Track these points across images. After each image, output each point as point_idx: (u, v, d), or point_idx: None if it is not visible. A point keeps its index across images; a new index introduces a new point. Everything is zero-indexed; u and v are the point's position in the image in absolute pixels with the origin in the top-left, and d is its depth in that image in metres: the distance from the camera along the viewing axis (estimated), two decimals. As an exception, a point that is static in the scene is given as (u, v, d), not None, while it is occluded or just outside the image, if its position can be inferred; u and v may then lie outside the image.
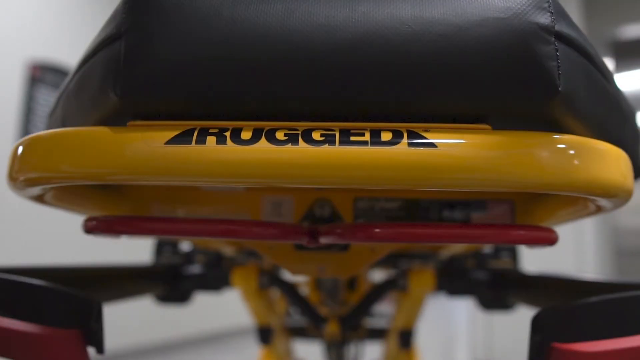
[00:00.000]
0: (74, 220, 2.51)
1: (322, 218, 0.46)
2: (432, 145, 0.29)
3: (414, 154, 0.29)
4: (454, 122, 0.31)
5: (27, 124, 2.49)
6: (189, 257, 0.89)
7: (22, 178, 0.34)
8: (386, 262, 0.90)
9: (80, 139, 0.32)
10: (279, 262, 0.48)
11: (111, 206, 0.50)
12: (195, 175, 0.30)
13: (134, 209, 0.51)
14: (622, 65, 2.69)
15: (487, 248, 0.88)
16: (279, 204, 0.49)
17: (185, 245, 0.91)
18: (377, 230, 0.35)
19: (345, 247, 0.47)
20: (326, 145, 0.29)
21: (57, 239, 2.48)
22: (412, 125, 0.31)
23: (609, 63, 2.78)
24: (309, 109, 0.32)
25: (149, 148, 0.30)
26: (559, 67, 0.31)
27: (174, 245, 0.89)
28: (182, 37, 0.31)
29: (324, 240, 0.39)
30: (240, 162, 0.29)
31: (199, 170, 0.30)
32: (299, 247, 0.47)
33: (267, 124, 0.31)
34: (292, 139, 0.29)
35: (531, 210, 0.48)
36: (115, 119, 0.34)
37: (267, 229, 0.37)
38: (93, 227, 0.38)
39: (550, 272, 0.65)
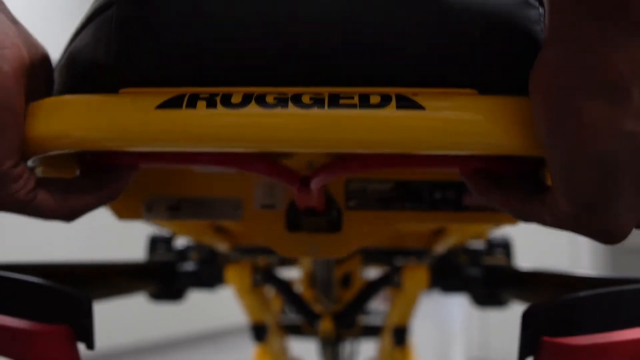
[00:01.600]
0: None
1: (313, 210, 0.45)
2: (421, 107, 0.30)
3: (402, 115, 0.29)
4: (440, 87, 0.32)
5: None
6: (182, 254, 0.89)
7: None
8: (380, 259, 0.90)
9: (69, 106, 0.32)
10: (271, 243, 0.48)
11: None
12: (185, 139, 0.30)
13: (125, 193, 0.51)
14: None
15: (481, 244, 0.88)
16: (272, 187, 0.49)
17: (179, 242, 0.91)
18: (369, 159, 0.35)
19: (337, 228, 0.47)
20: (315, 108, 0.29)
21: (55, 235, 2.48)
22: (400, 90, 0.31)
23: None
24: (296, 75, 0.32)
25: (139, 112, 0.30)
26: (543, 31, 0.31)
27: (168, 242, 0.89)
28: (173, 2, 0.31)
29: (315, 184, 0.38)
30: (229, 125, 0.30)
31: (189, 133, 0.30)
32: (291, 228, 0.47)
33: (257, 90, 0.31)
34: (282, 103, 0.30)
35: None
36: (107, 89, 0.33)
37: (262, 164, 0.37)
38: (87, 163, 0.37)
39: (544, 268, 0.65)
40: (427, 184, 0.48)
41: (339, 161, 0.37)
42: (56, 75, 0.38)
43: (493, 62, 0.31)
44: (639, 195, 0.27)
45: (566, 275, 0.58)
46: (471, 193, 0.46)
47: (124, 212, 0.50)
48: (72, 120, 0.31)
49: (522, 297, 0.69)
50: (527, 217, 0.32)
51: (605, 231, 0.28)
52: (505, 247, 0.85)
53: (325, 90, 0.31)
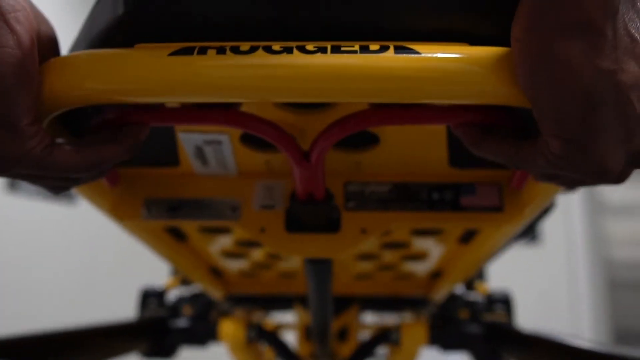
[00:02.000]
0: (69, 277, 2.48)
1: (313, 198, 0.46)
2: (417, 53, 0.31)
3: (400, 59, 0.31)
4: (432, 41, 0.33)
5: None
6: (175, 309, 0.87)
7: None
8: (377, 308, 0.88)
9: (84, 60, 0.32)
10: (270, 243, 0.48)
11: (104, 192, 0.49)
12: (195, 85, 0.31)
13: (125, 195, 0.50)
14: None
15: (480, 297, 0.87)
16: (271, 188, 0.50)
17: (171, 295, 0.89)
18: (368, 115, 0.36)
19: (335, 229, 0.47)
20: (319, 54, 0.31)
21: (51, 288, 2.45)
22: (397, 43, 0.32)
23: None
24: (299, 31, 0.33)
25: (151, 59, 0.32)
26: None
27: (160, 296, 0.87)
28: None
29: (315, 152, 0.39)
30: (237, 69, 0.31)
31: (199, 77, 0.31)
32: (291, 229, 0.48)
33: (263, 43, 0.32)
34: (287, 50, 0.31)
35: (518, 192, 0.48)
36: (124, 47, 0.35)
37: (271, 129, 0.38)
38: (98, 123, 0.37)
39: (546, 333, 0.63)
40: (425, 186, 0.48)
41: (333, 123, 0.37)
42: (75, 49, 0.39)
43: (482, 16, 0.32)
44: (623, 130, 0.28)
45: (569, 345, 0.56)
46: (468, 195, 0.47)
47: (123, 214, 0.49)
48: (88, 72, 0.32)
49: None
50: (521, 163, 0.33)
51: (595, 168, 0.29)
52: (505, 302, 0.83)
53: (327, 43, 0.32)
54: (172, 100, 0.34)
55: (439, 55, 0.31)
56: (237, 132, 0.44)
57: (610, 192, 3.02)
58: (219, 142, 0.46)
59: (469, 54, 0.31)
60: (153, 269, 2.26)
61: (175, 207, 0.49)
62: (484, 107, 0.35)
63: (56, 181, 0.36)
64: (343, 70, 0.30)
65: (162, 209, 0.49)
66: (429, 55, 0.31)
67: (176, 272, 0.90)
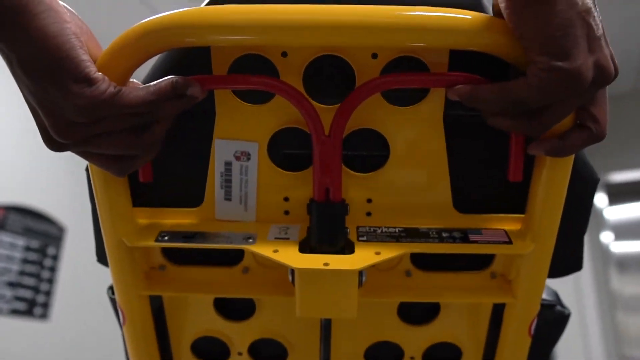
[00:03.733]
0: None
1: (329, 200, 0.48)
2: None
3: (401, 9, 0.40)
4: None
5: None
6: None
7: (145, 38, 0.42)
8: None
9: (166, 17, 0.42)
10: (285, 259, 0.47)
11: (125, 217, 0.51)
12: (257, 26, 0.41)
13: (143, 228, 0.52)
14: (613, 201, 3.19)
15: None
16: (286, 228, 0.51)
17: None
18: (374, 83, 0.44)
19: (350, 249, 0.48)
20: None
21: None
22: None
23: (603, 200, 3.14)
24: None
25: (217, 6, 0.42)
26: None
27: None
28: None
29: (334, 127, 0.45)
30: (284, 15, 0.41)
31: (258, 21, 0.41)
32: (304, 250, 0.48)
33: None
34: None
35: (524, 232, 0.50)
36: None
37: (297, 94, 0.45)
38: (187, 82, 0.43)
39: None
40: (433, 229, 0.50)
41: (347, 99, 0.45)
42: None
43: None
44: (588, 45, 0.38)
45: None
46: (476, 235, 0.50)
47: (137, 237, 0.50)
48: (171, 20, 0.42)
49: None
50: (515, 92, 0.41)
51: (573, 74, 0.38)
52: None
53: None
54: (236, 39, 0.42)
55: (443, 13, 0.40)
56: (266, 140, 0.49)
57: (622, 286, 3.02)
58: (248, 156, 0.50)
59: (471, 14, 0.40)
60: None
61: (190, 236, 0.50)
62: (468, 71, 0.43)
63: (125, 135, 0.43)
64: (347, 17, 0.40)
65: (176, 236, 0.50)
66: (432, 12, 0.40)
67: None
